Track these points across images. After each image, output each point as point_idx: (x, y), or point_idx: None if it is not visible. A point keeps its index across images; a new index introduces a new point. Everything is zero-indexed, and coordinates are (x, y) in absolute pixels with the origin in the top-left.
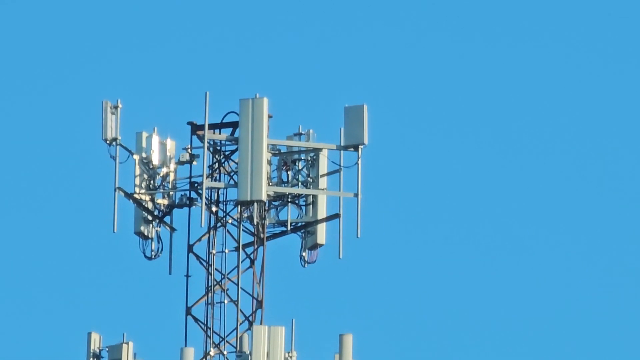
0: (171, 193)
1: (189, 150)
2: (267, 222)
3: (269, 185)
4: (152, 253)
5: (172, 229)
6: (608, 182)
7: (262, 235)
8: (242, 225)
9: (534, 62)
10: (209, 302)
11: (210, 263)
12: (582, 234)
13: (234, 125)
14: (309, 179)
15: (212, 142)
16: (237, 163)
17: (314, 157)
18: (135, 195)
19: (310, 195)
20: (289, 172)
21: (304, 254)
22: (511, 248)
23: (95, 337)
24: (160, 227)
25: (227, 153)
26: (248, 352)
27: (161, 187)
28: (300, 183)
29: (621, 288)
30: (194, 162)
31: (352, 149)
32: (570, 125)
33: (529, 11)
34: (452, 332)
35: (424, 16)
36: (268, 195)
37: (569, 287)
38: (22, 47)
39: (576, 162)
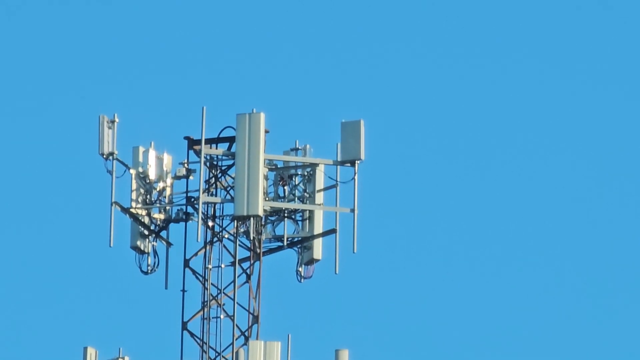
0: (167, 208)
1: (186, 165)
2: (263, 237)
3: (266, 200)
4: (149, 268)
5: (169, 244)
6: (601, 181)
7: (258, 250)
8: (239, 240)
9: (530, 77)
10: (205, 317)
11: (206, 278)
12: (576, 246)
13: (231, 140)
14: (305, 194)
15: (208, 157)
16: (233, 178)
17: (311, 172)
18: (131, 210)
19: (306, 210)
20: (285, 187)
21: (300, 269)
22: (508, 262)
23: (91, 351)
24: (156, 241)
25: (223, 168)
26: None
27: (158, 201)
28: (296, 198)
29: (620, 288)
30: (191, 177)
31: (348, 164)
32: (566, 139)
33: (523, 28)
34: (449, 347)
35: (420, 33)
36: (264, 210)
37: (564, 301)
38: (20, 61)
39: (571, 177)
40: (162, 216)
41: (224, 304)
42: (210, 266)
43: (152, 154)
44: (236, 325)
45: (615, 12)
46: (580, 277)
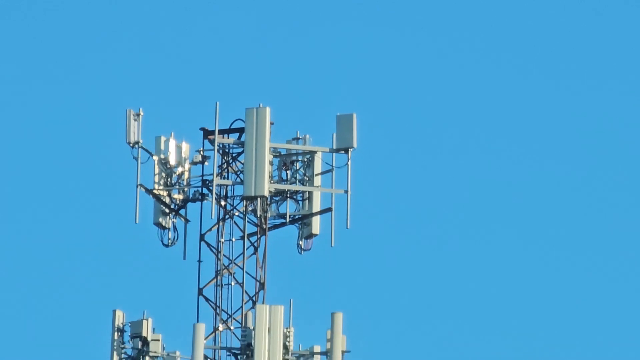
0: (186, 189)
1: (201, 152)
2: (268, 214)
3: (271, 182)
4: (169, 241)
5: (187, 220)
6: (593, 181)
7: (264, 226)
8: (247, 217)
9: (518, 68)
10: (218, 284)
11: (219, 250)
12: (569, 238)
13: (241, 130)
14: (305, 177)
15: (221, 146)
16: (243, 163)
17: (310, 159)
18: (154, 191)
19: (306, 191)
20: (288, 172)
21: (300, 242)
22: (487, 239)
23: (119, 314)
24: (176, 218)
25: (234, 155)
26: (252, 328)
27: (177, 184)
28: (297, 181)
29: (620, 287)
30: (206, 163)
31: (342, 152)
32: (557, 129)
33: (517, 22)
34: (431, 310)
35: (408, 30)
36: (270, 192)
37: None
38: (54, 59)
39: (564, 165)
40: (180, 196)
41: (234, 273)
42: (222, 240)
43: (172, 142)
44: (245, 291)
45: (615, 12)
46: (570, 281)
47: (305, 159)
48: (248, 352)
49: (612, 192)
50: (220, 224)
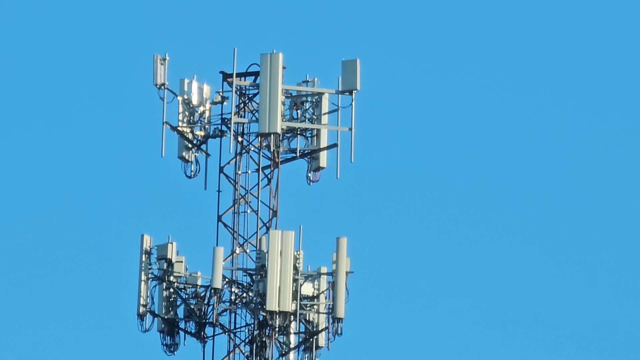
0: (206, 126)
1: (221, 93)
2: (281, 149)
3: (283, 121)
4: (192, 173)
5: (207, 155)
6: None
7: (277, 160)
8: (262, 152)
9: (525, 22)
10: (235, 211)
11: (236, 181)
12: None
13: (256, 74)
14: (314, 116)
15: (238, 87)
16: (258, 103)
17: (318, 99)
18: (178, 128)
19: (314, 129)
20: (298, 111)
21: (309, 174)
22: (477, 170)
23: (146, 238)
24: (197, 153)
25: (250, 95)
26: (265, 251)
27: (199, 121)
28: (307, 119)
29: (619, 287)
30: (225, 103)
31: (347, 94)
32: (551, 121)
33: None
34: (425, 234)
35: None
36: (282, 129)
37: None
38: (98, 16)
39: (559, 158)
40: (202, 133)
41: (250, 202)
42: (239, 172)
43: (194, 84)
44: (259, 218)
45: (615, 12)
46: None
47: (314, 100)
48: (262, 272)
49: (612, 192)
50: (238, 157)
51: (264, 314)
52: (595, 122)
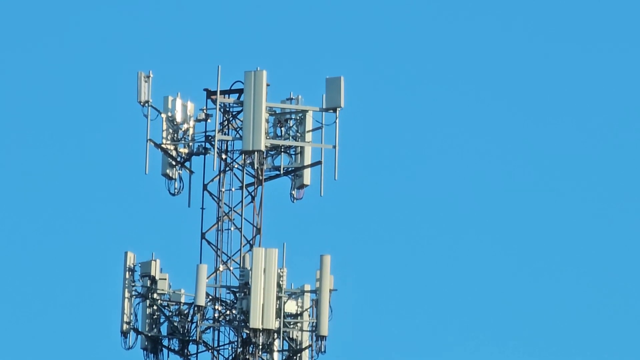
0: (190, 144)
1: (205, 110)
2: (265, 167)
3: (267, 138)
4: (175, 190)
5: (191, 172)
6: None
7: (260, 177)
8: (245, 169)
9: (516, 27)
10: (219, 229)
11: (220, 198)
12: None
13: (240, 91)
14: (297, 133)
15: (222, 105)
16: (242, 121)
17: (302, 117)
18: (162, 145)
19: (298, 146)
20: (282, 128)
21: (293, 192)
22: (460, 183)
23: (130, 255)
24: (181, 170)
25: (234, 113)
26: (249, 269)
27: (182, 139)
28: (291, 137)
29: (619, 287)
30: (209, 120)
31: (331, 111)
32: (548, 120)
33: None
34: (408, 252)
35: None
36: (266, 146)
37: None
38: (76, 24)
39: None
40: (186, 150)
41: (233, 219)
42: (223, 189)
43: (178, 102)
44: (243, 235)
45: (615, 12)
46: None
47: (298, 117)
48: (245, 290)
49: (612, 191)
50: (221, 175)
51: (248, 332)
52: (592, 123)
